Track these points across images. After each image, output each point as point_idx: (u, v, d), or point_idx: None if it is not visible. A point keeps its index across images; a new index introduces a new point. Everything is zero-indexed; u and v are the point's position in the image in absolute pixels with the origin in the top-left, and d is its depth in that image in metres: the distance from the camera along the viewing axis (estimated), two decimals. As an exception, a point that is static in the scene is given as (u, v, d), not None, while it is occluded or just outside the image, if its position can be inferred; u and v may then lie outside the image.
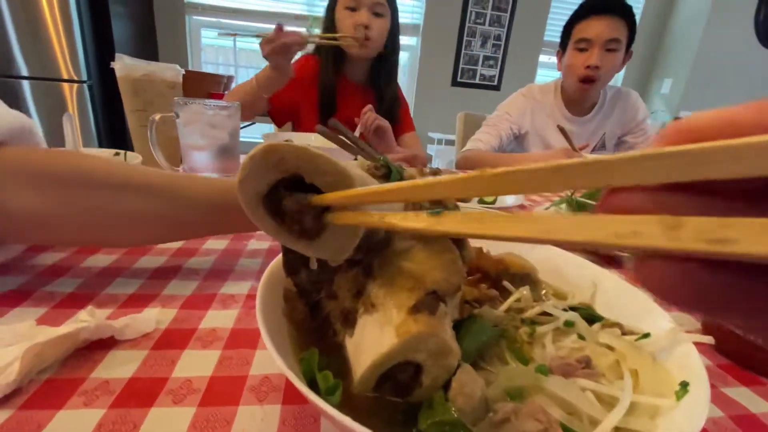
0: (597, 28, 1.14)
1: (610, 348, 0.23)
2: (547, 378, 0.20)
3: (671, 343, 0.23)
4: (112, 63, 0.71)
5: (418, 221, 0.16)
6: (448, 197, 0.17)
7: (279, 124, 1.28)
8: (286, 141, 0.20)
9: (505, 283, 0.29)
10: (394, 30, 1.19)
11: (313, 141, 1.04)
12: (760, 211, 0.08)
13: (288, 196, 0.20)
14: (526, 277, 0.31)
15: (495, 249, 0.34)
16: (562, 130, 1.06)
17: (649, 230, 0.08)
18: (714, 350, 0.36)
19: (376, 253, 0.23)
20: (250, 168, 0.19)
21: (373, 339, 0.21)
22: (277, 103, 1.17)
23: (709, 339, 0.27)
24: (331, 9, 1.17)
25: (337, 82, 1.18)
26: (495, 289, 0.29)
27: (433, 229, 0.15)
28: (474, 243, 0.34)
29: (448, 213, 0.15)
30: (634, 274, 0.10)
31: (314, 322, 0.27)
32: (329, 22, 1.17)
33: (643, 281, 0.10)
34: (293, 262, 0.27)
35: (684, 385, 0.19)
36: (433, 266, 0.22)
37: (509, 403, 0.18)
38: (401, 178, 0.25)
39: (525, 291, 0.28)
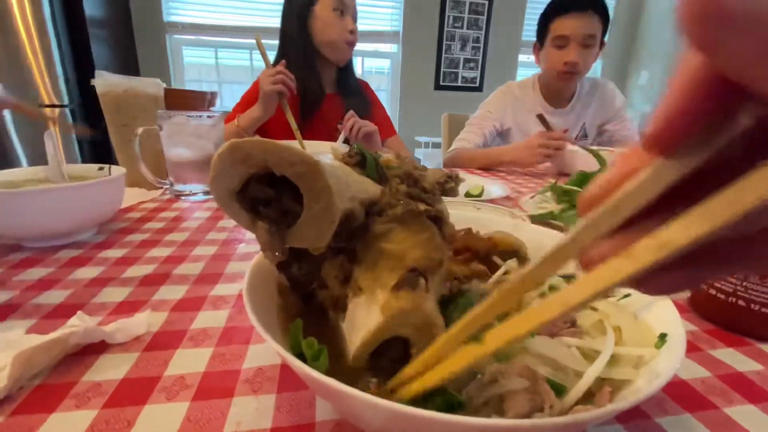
0: (573, 25, 1.17)
1: (594, 309, 0.23)
2: (532, 338, 0.20)
3: (651, 301, 0.23)
4: (92, 80, 0.71)
5: (468, 354, 0.17)
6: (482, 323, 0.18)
7: None
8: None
9: (495, 258, 0.30)
10: None
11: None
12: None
13: (260, 189, 0.20)
14: (514, 254, 0.31)
15: (484, 229, 0.35)
16: (540, 117, 1.10)
17: (620, 265, 0.11)
18: (700, 318, 0.36)
19: (357, 238, 0.23)
20: (220, 167, 0.19)
21: (361, 320, 0.21)
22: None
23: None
24: (303, 9, 1.13)
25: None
26: (484, 266, 0.30)
27: (484, 353, 0.16)
28: (464, 224, 0.35)
29: (488, 333, 0.16)
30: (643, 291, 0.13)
31: (309, 311, 0.27)
32: (298, 24, 1.13)
33: (649, 292, 0.13)
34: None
35: (662, 336, 0.20)
36: (413, 245, 0.22)
37: (495, 364, 0.19)
38: (377, 164, 0.25)
39: (512, 263, 0.29)
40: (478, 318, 0.16)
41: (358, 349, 0.21)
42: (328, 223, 0.21)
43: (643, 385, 0.17)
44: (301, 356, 0.20)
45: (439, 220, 0.24)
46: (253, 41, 0.99)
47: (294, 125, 1.04)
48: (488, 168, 1.22)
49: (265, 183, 0.21)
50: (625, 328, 0.21)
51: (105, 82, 0.72)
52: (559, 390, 0.18)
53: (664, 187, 0.11)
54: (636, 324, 0.22)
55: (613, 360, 0.19)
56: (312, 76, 1.16)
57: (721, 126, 0.10)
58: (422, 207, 0.23)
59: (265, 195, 0.20)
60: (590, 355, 0.20)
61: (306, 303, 0.28)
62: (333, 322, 0.25)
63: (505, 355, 0.20)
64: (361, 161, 0.25)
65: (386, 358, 0.21)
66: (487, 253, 0.31)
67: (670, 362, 0.17)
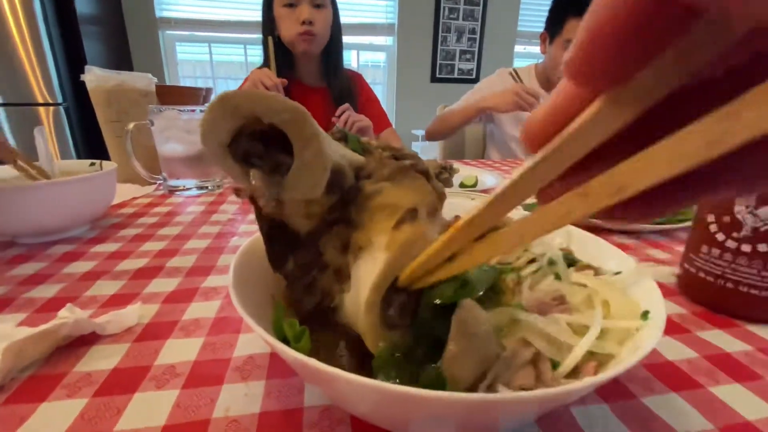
0: None
1: (583, 285, 0.24)
2: (524, 312, 0.20)
3: (637, 280, 0.23)
4: (82, 75, 0.71)
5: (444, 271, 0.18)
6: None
7: None
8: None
9: None
10: (336, 19, 1.18)
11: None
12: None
13: (250, 143, 0.20)
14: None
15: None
16: (511, 74, 1.27)
17: (572, 205, 0.11)
18: (689, 300, 0.37)
19: (350, 203, 0.23)
20: (210, 120, 0.19)
21: (367, 270, 0.21)
22: None
23: (670, 270, 0.28)
24: (268, 9, 1.14)
25: (291, 87, 1.15)
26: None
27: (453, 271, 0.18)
28: (453, 212, 0.35)
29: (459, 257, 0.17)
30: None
31: (311, 300, 0.26)
32: (268, 24, 1.14)
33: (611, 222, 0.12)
34: (279, 253, 0.26)
35: (645, 314, 0.20)
36: (406, 192, 0.22)
37: (513, 339, 0.19)
38: (359, 142, 0.25)
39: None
40: (437, 254, 0.18)
41: (369, 296, 0.20)
42: (321, 170, 0.20)
43: (625, 359, 0.17)
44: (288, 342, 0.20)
45: (426, 173, 0.24)
46: (248, 36, 0.99)
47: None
48: (466, 122, 1.32)
49: (257, 139, 0.21)
50: (613, 303, 0.22)
51: (95, 77, 0.71)
52: (554, 364, 0.18)
53: (621, 124, 0.09)
54: (624, 299, 0.22)
55: (602, 334, 0.19)
56: (279, 68, 1.13)
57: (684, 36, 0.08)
58: (408, 162, 0.23)
59: (256, 149, 0.20)
60: (580, 331, 0.20)
61: (305, 295, 0.26)
62: (337, 300, 0.24)
63: (500, 329, 0.20)
64: (342, 138, 0.25)
65: (397, 307, 0.21)
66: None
67: (651, 336, 0.17)
